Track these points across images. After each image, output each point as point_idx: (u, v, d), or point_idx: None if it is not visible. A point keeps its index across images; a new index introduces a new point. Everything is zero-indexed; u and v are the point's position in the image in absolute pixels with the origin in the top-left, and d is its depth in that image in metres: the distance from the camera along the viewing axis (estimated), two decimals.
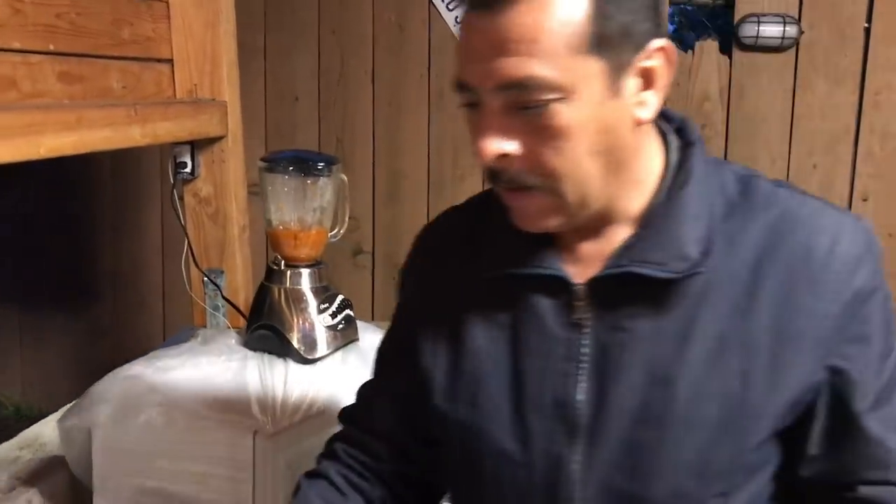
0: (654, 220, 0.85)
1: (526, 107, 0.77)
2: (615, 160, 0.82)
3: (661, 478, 0.82)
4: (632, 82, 0.80)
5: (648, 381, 0.82)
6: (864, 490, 0.85)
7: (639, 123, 0.82)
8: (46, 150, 1.42)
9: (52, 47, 1.60)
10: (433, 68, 2.77)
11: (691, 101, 2.65)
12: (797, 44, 2.56)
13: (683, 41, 2.68)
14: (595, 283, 0.85)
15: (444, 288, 0.95)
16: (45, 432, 1.70)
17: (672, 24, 2.75)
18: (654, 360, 0.83)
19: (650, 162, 0.86)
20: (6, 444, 1.63)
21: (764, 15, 2.54)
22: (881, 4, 2.52)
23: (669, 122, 0.90)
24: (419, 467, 1.01)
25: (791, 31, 2.52)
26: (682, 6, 2.70)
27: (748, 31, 2.54)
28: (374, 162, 2.86)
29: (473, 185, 2.79)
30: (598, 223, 0.87)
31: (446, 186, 2.82)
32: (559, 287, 0.86)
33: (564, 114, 0.77)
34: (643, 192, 0.86)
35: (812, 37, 2.55)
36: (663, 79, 0.81)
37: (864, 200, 2.62)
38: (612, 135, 0.80)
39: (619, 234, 0.87)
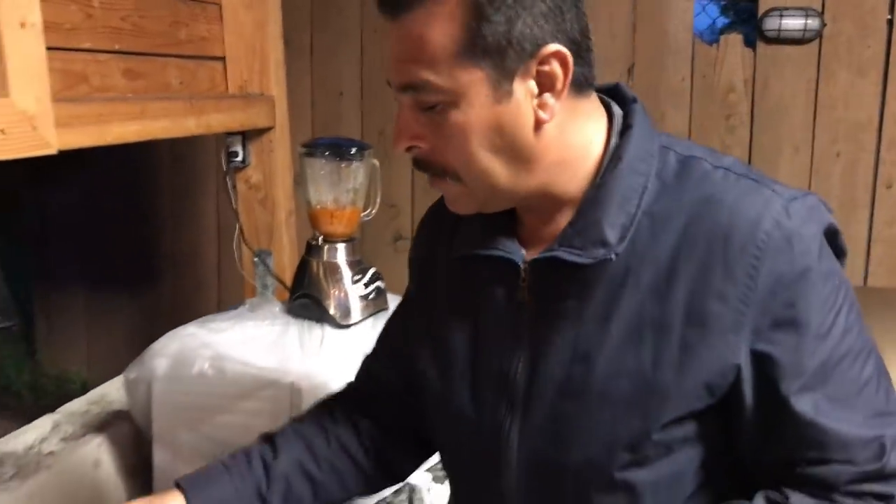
0: (584, 205, 0.89)
1: (426, 107, 0.85)
2: (520, 156, 0.87)
3: (576, 447, 0.88)
4: (523, 87, 0.84)
5: (572, 357, 0.88)
6: (806, 469, 0.85)
7: (540, 124, 0.86)
8: (113, 138, 1.61)
9: (117, 47, 1.79)
10: None
11: (717, 93, 2.74)
12: (820, 36, 2.64)
13: (709, 34, 2.78)
14: (533, 266, 0.91)
15: (432, 269, 1.05)
16: (111, 391, 1.91)
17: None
18: (578, 338, 0.88)
19: (584, 149, 0.90)
20: (78, 400, 1.83)
21: (786, 9, 2.63)
22: None
23: (621, 103, 0.94)
24: (410, 419, 1.11)
25: (813, 23, 2.61)
26: (707, 2, 2.80)
27: (771, 24, 2.64)
28: None
29: None
30: (547, 206, 0.92)
31: None
32: (509, 268, 0.92)
33: (454, 116, 0.84)
34: (580, 177, 0.89)
35: (835, 29, 2.63)
36: (560, 82, 0.84)
37: (888, 188, 2.69)
38: (508, 135, 0.85)
39: (566, 218, 0.91)
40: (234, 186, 2.29)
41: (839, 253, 0.92)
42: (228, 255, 3.29)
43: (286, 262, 2.26)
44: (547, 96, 0.85)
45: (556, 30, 0.83)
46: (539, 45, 0.83)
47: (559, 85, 0.85)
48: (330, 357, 1.50)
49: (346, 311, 1.64)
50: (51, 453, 1.56)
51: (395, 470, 1.16)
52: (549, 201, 0.91)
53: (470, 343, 0.97)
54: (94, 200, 3.29)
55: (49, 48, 1.35)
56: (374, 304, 1.70)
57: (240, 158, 2.25)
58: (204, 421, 1.47)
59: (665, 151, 0.90)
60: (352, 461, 1.11)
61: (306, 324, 1.63)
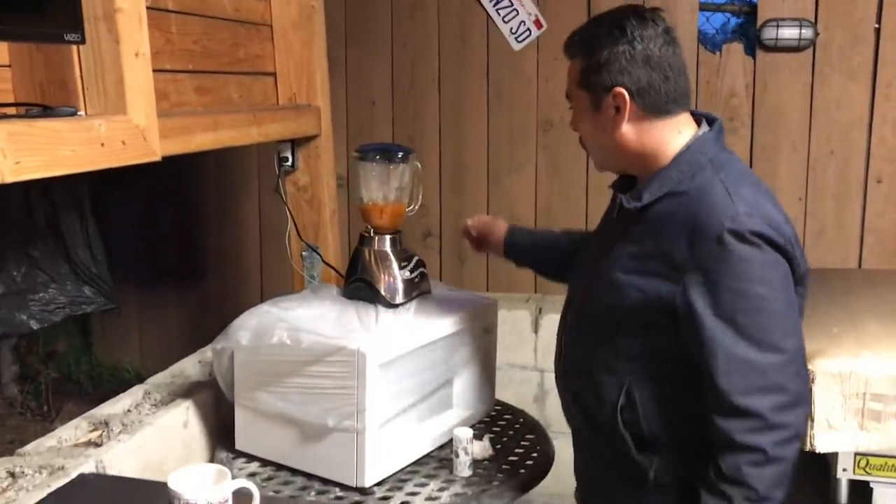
0: (646, 183, 1.45)
1: (571, 108, 1.52)
2: (608, 145, 1.48)
3: (594, 301, 1.51)
4: (606, 108, 1.44)
5: (610, 255, 1.48)
6: (707, 381, 1.35)
7: (616, 131, 1.45)
8: (195, 146, 1.87)
9: (190, 67, 2.04)
10: (491, 74, 3.16)
11: (720, 97, 2.99)
12: (814, 44, 2.88)
13: (712, 43, 3.03)
14: (619, 204, 1.49)
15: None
16: (188, 367, 2.17)
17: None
18: (616, 245, 1.47)
19: (657, 149, 1.44)
20: (160, 374, 2.09)
21: (783, 19, 2.87)
22: (890, 7, 2.82)
23: (711, 124, 1.48)
24: None
25: (807, 33, 2.85)
26: (710, 13, 3.04)
27: (769, 34, 2.88)
28: (440, 157, 3.26)
29: (528, 175, 3.18)
30: (640, 174, 1.49)
31: (503, 177, 3.20)
32: (615, 202, 1.53)
33: (578, 116, 1.51)
34: (656, 165, 1.44)
35: (827, 38, 2.87)
36: (623, 109, 1.42)
37: (879, 182, 2.93)
38: (599, 132, 1.48)
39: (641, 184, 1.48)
40: (285, 188, 2.54)
41: (774, 247, 1.34)
42: (269, 252, 3.56)
43: (331, 256, 2.51)
44: (618, 115, 1.43)
45: (625, 79, 1.42)
46: (611, 86, 1.42)
47: (624, 110, 1.43)
48: (385, 329, 1.75)
49: (395, 293, 1.89)
50: (147, 415, 1.82)
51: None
52: (640, 173, 1.49)
53: (594, 237, 1.65)
54: (145, 203, 3.55)
55: None
56: (419, 287, 1.94)
57: (290, 163, 2.49)
58: (281, 384, 1.72)
59: (708, 162, 1.41)
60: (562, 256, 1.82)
61: (361, 304, 1.87)
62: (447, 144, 3.24)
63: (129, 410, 1.85)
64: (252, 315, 1.77)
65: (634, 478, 1.46)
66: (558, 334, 1.65)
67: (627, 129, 1.43)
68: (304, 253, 2.51)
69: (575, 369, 1.57)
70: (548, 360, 2.96)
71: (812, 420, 1.62)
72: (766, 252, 1.33)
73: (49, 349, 3.29)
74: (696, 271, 1.33)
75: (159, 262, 3.61)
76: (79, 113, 1.47)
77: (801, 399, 1.35)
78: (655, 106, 1.42)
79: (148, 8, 1.84)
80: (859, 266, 2.94)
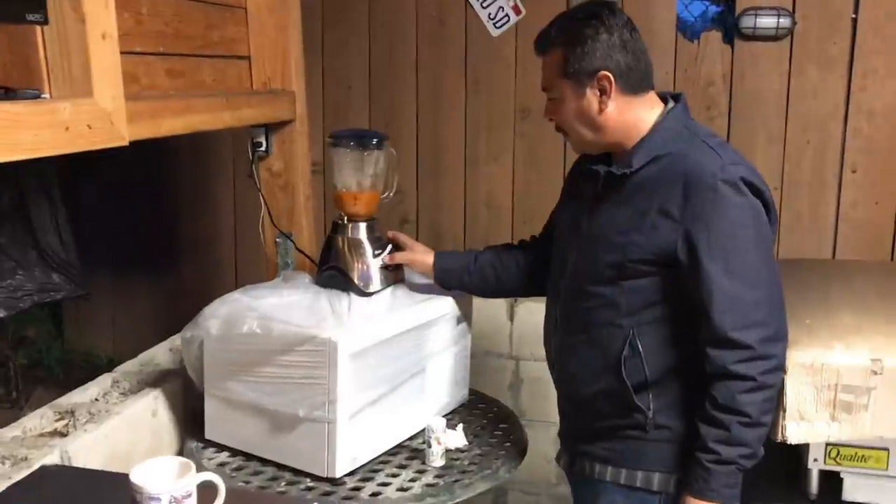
0: (631, 150, 1.60)
1: (551, 99, 1.65)
2: (593, 126, 1.62)
3: (592, 262, 1.63)
4: (590, 91, 1.59)
5: (602, 221, 1.62)
6: (703, 321, 1.51)
7: (601, 111, 1.59)
8: (165, 130, 1.83)
9: (161, 49, 2.00)
10: (469, 59, 3.13)
11: (698, 85, 2.97)
12: (791, 33, 2.88)
13: (690, 31, 3.01)
14: (604, 174, 1.62)
15: (570, 181, 1.83)
16: (158, 354, 2.14)
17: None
18: (608, 211, 1.62)
19: (637, 124, 1.60)
20: (129, 363, 2.06)
21: (761, 8, 2.86)
22: None
23: (675, 101, 1.65)
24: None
25: (785, 22, 2.85)
26: (689, 2, 3.03)
27: (747, 22, 2.87)
28: (417, 142, 3.23)
29: (505, 162, 3.16)
30: (619, 151, 1.63)
31: (480, 164, 3.18)
32: (595, 175, 1.64)
33: (561, 105, 1.63)
34: (635, 137, 1.60)
35: (804, 27, 2.87)
36: (608, 90, 1.57)
37: (854, 172, 2.93)
38: (585, 115, 1.61)
39: (624, 155, 1.62)
40: (258, 174, 2.51)
41: (758, 195, 1.53)
42: (244, 238, 3.52)
43: (305, 241, 2.49)
44: (603, 97, 1.59)
45: (608, 63, 1.57)
46: (596, 70, 1.57)
47: (609, 91, 1.58)
48: (357, 318, 1.73)
49: (368, 281, 1.87)
50: (115, 404, 1.79)
51: (537, 282, 1.88)
52: (619, 148, 1.63)
53: (571, 213, 1.74)
54: (118, 187, 3.50)
55: None
56: (393, 275, 1.93)
57: (263, 148, 2.46)
58: (251, 373, 1.69)
59: (685, 129, 1.60)
60: (518, 269, 1.92)
61: (334, 292, 1.85)
62: (425, 130, 3.21)
63: (96, 399, 1.82)
64: (222, 303, 1.75)
65: (633, 423, 1.61)
66: (547, 308, 1.79)
67: (611, 109, 1.58)
68: (277, 239, 2.48)
69: (572, 334, 1.69)
70: (523, 348, 2.97)
71: (784, 411, 1.62)
72: (751, 199, 1.50)
73: (19, 336, 3.24)
74: (694, 219, 1.49)
75: (133, 247, 3.56)
76: (43, 96, 1.43)
77: (782, 333, 1.52)
78: (633, 85, 1.59)
79: None
80: (833, 255, 2.96)
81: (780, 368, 1.52)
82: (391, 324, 1.76)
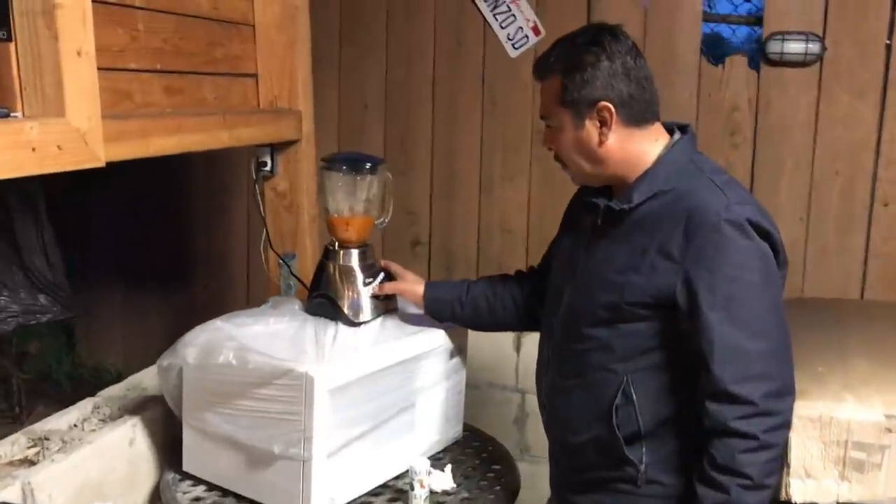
0: (632, 184, 1.51)
1: (549, 127, 1.56)
2: (593, 158, 1.53)
3: (586, 301, 1.55)
4: (590, 122, 1.50)
5: (600, 258, 1.54)
6: (702, 372, 1.40)
7: (601, 143, 1.50)
8: (154, 150, 1.78)
9: (159, 66, 1.95)
10: (486, 79, 3.06)
11: (721, 111, 2.87)
12: (821, 59, 2.76)
13: (715, 56, 2.91)
14: (603, 209, 1.53)
15: (569, 214, 1.74)
16: (146, 379, 2.08)
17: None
18: (607, 249, 1.53)
19: (639, 156, 1.51)
20: (115, 386, 2.01)
21: (789, 32, 2.75)
22: None
23: (684, 131, 1.56)
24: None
25: (814, 47, 2.73)
26: (714, 24, 2.93)
27: (774, 47, 2.76)
28: (432, 163, 3.16)
29: (521, 185, 3.08)
30: (620, 184, 1.54)
31: (495, 185, 3.10)
32: (595, 209, 1.54)
33: (560, 134, 1.54)
34: (638, 170, 1.51)
35: (835, 53, 2.75)
36: (609, 121, 1.48)
37: (885, 205, 2.79)
38: (584, 147, 1.52)
39: (625, 189, 1.53)
40: (262, 193, 2.46)
41: (765, 237, 1.43)
42: (257, 255, 3.44)
43: (309, 263, 2.42)
44: (604, 128, 1.49)
45: (609, 92, 1.47)
46: (596, 101, 1.48)
47: (609, 122, 1.49)
48: (341, 350, 1.66)
49: (358, 311, 1.80)
50: (91, 431, 1.73)
51: (532, 316, 1.80)
52: (620, 182, 1.54)
53: (569, 247, 1.66)
54: (132, 201, 3.47)
55: (99, 69, 1.51)
56: (384, 305, 1.85)
57: (268, 168, 2.41)
58: (228, 405, 1.63)
59: (690, 163, 1.51)
60: (513, 302, 1.84)
61: (322, 321, 1.78)
62: (439, 150, 3.14)
63: (74, 425, 1.77)
64: (202, 331, 1.69)
65: (624, 477, 1.51)
66: (541, 344, 1.70)
67: (612, 141, 1.49)
68: (280, 261, 2.43)
69: (564, 377, 1.60)
70: (529, 381, 2.85)
71: (788, 467, 1.51)
72: (757, 242, 1.41)
73: (21, 351, 3.21)
74: (696, 261, 1.40)
75: (145, 261, 3.53)
76: (14, 115, 1.38)
77: (789, 387, 1.41)
78: (636, 116, 1.50)
79: (112, 4, 1.79)
80: (861, 292, 2.82)
81: (786, 426, 1.41)
82: (376, 357, 1.68)
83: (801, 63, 2.76)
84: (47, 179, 1.55)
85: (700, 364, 1.40)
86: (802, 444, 1.50)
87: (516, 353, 2.84)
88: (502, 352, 2.83)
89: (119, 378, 3.47)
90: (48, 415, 1.98)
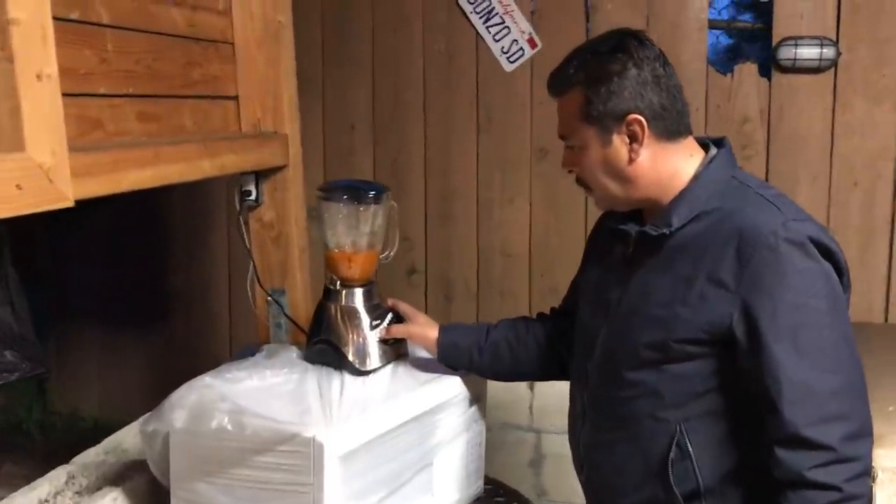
0: (668, 205, 1.35)
1: (570, 147, 1.40)
2: (621, 178, 1.36)
3: (629, 341, 1.37)
4: (619, 138, 1.33)
5: (640, 291, 1.37)
6: (769, 415, 1.23)
7: (631, 161, 1.34)
8: (129, 184, 1.58)
9: (131, 90, 1.76)
10: (481, 97, 2.90)
11: (732, 122, 2.73)
12: (835, 65, 2.62)
13: (723, 64, 2.77)
14: (636, 235, 1.37)
15: (595, 241, 1.58)
16: (127, 439, 1.87)
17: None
18: (647, 280, 1.36)
19: (673, 174, 1.35)
20: (92, 450, 1.79)
21: (801, 38, 2.61)
22: None
23: (718, 147, 1.39)
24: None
25: (828, 52, 2.59)
26: (720, 31, 2.79)
27: (786, 53, 2.62)
28: (426, 185, 3.00)
29: (522, 207, 2.91)
30: (652, 207, 1.38)
31: (494, 208, 2.93)
32: (626, 236, 1.40)
33: (583, 154, 1.37)
34: (672, 191, 1.35)
35: (850, 58, 2.62)
36: (640, 135, 1.32)
37: None
38: (611, 166, 1.36)
39: (660, 212, 1.37)
40: (247, 224, 2.26)
41: (828, 257, 1.27)
42: (239, 291, 3.27)
43: (300, 300, 2.23)
44: (634, 144, 1.33)
45: (639, 103, 1.31)
46: (625, 113, 1.32)
47: (640, 137, 1.33)
48: (350, 406, 1.46)
49: (365, 357, 1.60)
50: None
51: (561, 362, 1.62)
52: (652, 204, 1.38)
53: (597, 282, 1.49)
54: (106, 238, 3.28)
55: (64, 94, 1.32)
56: (394, 349, 1.66)
57: (253, 197, 2.21)
58: (222, 474, 1.43)
59: (732, 179, 1.35)
60: (538, 347, 1.65)
61: (324, 371, 1.59)
62: (433, 171, 2.99)
63: (45, 501, 1.55)
64: (190, 390, 1.48)
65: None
66: (572, 395, 1.53)
67: (644, 158, 1.34)
68: (269, 299, 2.23)
69: (604, 430, 1.43)
70: (544, 420, 2.68)
71: None
72: (821, 262, 1.25)
73: None
74: (753, 288, 1.24)
75: (122, 301, 3.32)
76: None
77: (868, 428, 1.25)
78: (669, 129, 1.35)
79: (77, 21, 1.59)
80: (886, 308, 2.67)
81: (868, 473, 1.23)
82: (391, 413, 1.49)
83: (816, 69, 2.63)
84: (11, 220, 1.37)
85: (765, 406, 1.24)
86: (890, 501, 1.32)
87: (531, 391, 2.66)
88: (516, 390, 2.64)
89: (95, 426, 3.26)
90: (18, 473, 1.77)
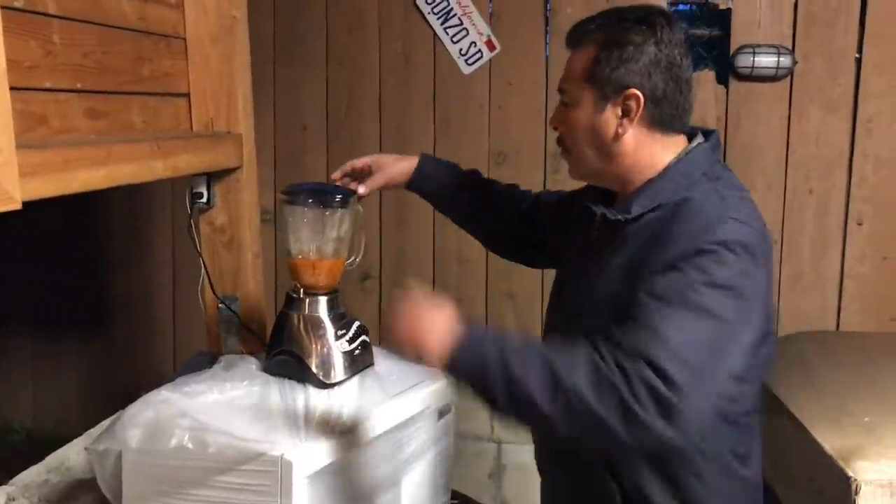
0: (634, 193, 1.33)
1: (564, 103, 1.37)
2: (602, 150, 1.34)
3: (579, 324, 1.30)
4: (612, 108, 1.31)
5: (593, 274, 1.35)
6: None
7: (616, 137, 1.31)
8: (79, 185, 1.48)
9: (79, 85, 1.66)
10: (438, 99, 2.84)
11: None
12: (791, 73, 2.64)
13: None
14: (599, 218, 1.37)
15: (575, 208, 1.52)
16: (71, 456, 1.75)
17: None
18: (600, 260, 1.34)
19: (651, 164, 1.32)
20: (34, 468, 1.68)
21: (759, 46, 2.62)
22: (871, 35, 2.61)
23: (707, 138, 1.36)
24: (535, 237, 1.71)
25: (785, 61, 2.61)
26: None
27: (744, 61, 2.63)
28: (380, 190, 2.92)
29: None
30: (623, 190, 1.37)
31: None
32: (591, 216, 1.38)
33: (573, 112, 1.35)
34: (643, 178, 1.32)
35: (806, 67, 2.64)
36: (633, 113, 1.29)
37: (859, 224, 2.69)
38: (596, 134, 1.33)
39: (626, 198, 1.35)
40: (198, 228, 2.16)
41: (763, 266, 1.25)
42: (184, 296, 3.16)
43: (253, 307, 2.14)
44: (625, 120, 1.30)
45: (643, 82, 1.28)
46: (626, 87, 1.29)
47: (632, 114, 1.30)
48: (317, 422, 1.39)
49: (330, 370, 1.53)
50: None
51: (506, 236, 1.77)
52: (621, 187, 1.37)
53: (567, 262, 1.53)
54: (40, 240, 3.12)
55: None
56: (360, 360, 1.59)
57: (204, 200, 2.11)
58: (181, 495, 1.34)
59: (702, 176, 1.30)
60: (501, 215, 1.75)
61: (287, 383, 1.51)
62: None
63: None
64: (146, 406, 1.38)
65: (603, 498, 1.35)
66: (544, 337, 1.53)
67: (629, 137, 1.31)
68: (220, 306, 2.13)
69: None
70: (505, 430, 2.64)
71: None
72: (746, 262, 1.20)
73: None
74: (659, 267, 1.22)
75: (57, 305, 3.17)
76: None
77: (685, 378, 1.14)
78: (663, 119, 1.31)
79: (20, 10, 1.49)
80: (838, 313, 2.70)
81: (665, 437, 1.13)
82: (360, 429, 1.41)
83: (773, 77, 2.64)
84: None
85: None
86: None
87: None
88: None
89: (30, 437, 3.10)
90: None
